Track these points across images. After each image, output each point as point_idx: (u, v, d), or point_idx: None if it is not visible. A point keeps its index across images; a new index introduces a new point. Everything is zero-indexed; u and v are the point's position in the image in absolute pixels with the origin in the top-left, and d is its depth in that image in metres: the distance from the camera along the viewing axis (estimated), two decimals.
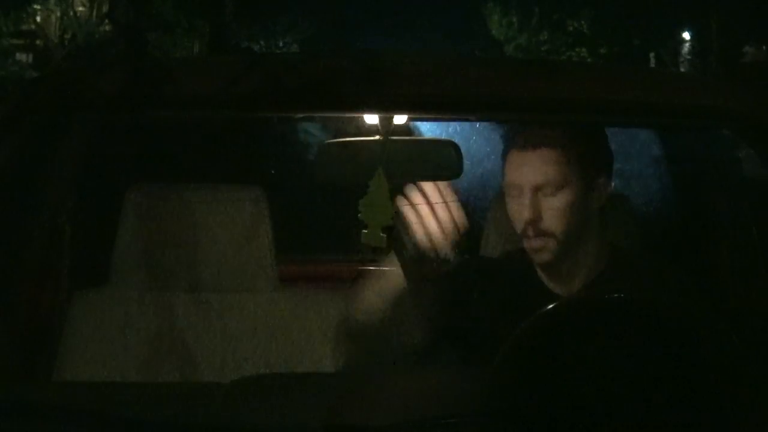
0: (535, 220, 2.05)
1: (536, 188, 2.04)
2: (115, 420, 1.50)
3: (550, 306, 1.69)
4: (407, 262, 1.98)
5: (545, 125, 2.05)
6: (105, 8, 17.15)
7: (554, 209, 2.05)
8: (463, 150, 2.43)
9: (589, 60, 22.24)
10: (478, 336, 2.10)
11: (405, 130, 2.22)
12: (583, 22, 22.09)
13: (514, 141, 2.08)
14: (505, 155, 2.10)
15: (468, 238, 2.17)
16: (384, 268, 3.01)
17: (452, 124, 2.88)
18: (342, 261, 3.19)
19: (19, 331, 2.37)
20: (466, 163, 2.23)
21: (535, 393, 1.51)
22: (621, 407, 1.49)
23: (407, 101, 1.71)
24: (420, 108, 1.78)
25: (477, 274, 2.22)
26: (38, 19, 17.63)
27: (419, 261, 1.95)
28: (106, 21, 17.79)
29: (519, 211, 2.06)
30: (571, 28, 22.83)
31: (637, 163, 2.93)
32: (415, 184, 1.93)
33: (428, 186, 1.92)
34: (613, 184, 2.15)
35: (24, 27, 17.52)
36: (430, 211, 1.91)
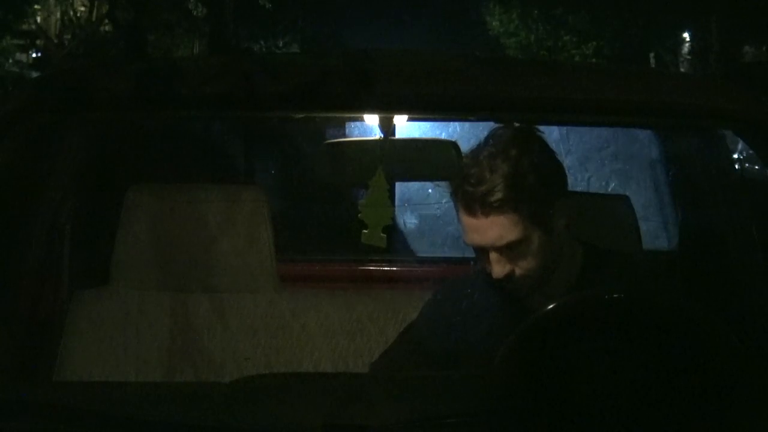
0: (504, 272, 2.02)
1: (497, 248, 2.01)
2: (115, 420, 1.50)
3: (550, 306, 1.69)
4: None
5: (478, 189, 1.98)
6: (105, 8, 17.15)
7: (520, 257, 2.01)
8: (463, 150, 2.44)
9: (590, 52, 22.24)
10: (461, 352, 2.10)
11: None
12: (584, 16, 22.08)
13: (463, 206, 2.02)
14: (457, 214, 2.05)
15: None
16: (385, 268, 3.02)
17: (452, 123, 2.89)
18: (342, 261, 3.20)
19: (19, 331, 2.37)
20: None
21: (535, 393, 1.51)
22: (621, 407, 1.49)
23: (407, 101, 1.71)
24: (420, 108, 1.78)
25: (460, 292, 2.22)
26: (38, 19, 17.63)
27: None
28: (106, 21, 17.79)
29: (487, 266, 2.04)
30: (570, 26, 22.82)
31: (636, 164, 2.93)
32: None
33: None
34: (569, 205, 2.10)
35: (24, 27, 17.53)
36: None
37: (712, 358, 1.57)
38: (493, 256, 2.01)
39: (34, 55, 19.44)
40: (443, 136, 2.76)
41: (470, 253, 2.30)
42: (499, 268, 2.01)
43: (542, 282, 2.07)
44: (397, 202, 3.33)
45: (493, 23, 25.66)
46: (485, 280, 2.13)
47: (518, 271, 2.03)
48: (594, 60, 22.03)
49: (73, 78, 1.88)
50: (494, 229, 1.99)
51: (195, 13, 14.82)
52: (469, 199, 1.98)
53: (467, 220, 2.01)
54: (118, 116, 2.25)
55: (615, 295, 1.72)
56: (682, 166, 2.54)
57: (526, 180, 1.97)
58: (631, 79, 1.87)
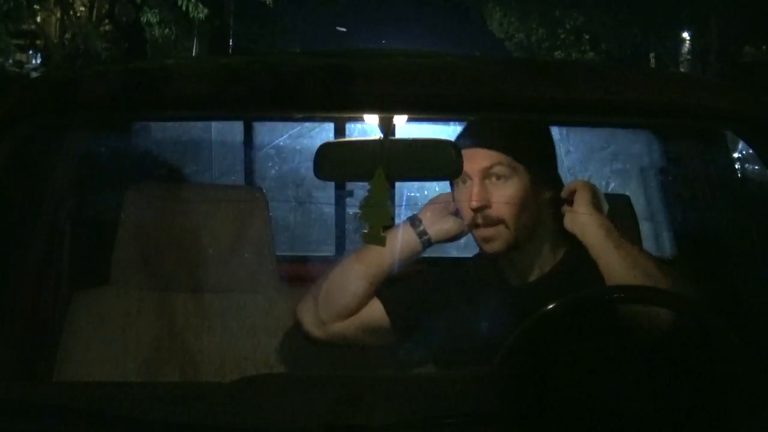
0: (484, 207, 2.09)
1: (484, 174, 2.10)
2: (115, 420, 1.50)
3: (550, 306, 1.69)
4: None
5: (493, 122, 2.12)
6: (105, 8, 17.15)
7: (503, 196, 2.10)
8: None
9: (590, 53, 22.23)
10: (441, 335, 2.13)
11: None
12: (583, 19, 22.08)
13: (461, 136, 2.16)
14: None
15: None
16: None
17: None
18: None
19: (19, 331, 2.37)
20: None
21: (535, 393, 1.51)
22: (621, 407, 1.49)
23: (407, 101, 1.71)
24: (420, 108, 1.78)
25: (438, 274, 2.28)
26: (38, 19, 17.63)
27: None
28: (106, 21, 17.79)
29: (468, 198, 2.11)
30: (568, 26, 22.81)
31: (636, 164, 2.93)
32: None
33: None
34: (560, 182, 2.21)
35: (24, 27, 17.53)
36: None
37: (713, 358, 1.57)
38: (476, 187, 2.10)
39: (35, 61, 19.46)
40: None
41: (471, 254, 2.31)
42: (479, 199, 2.08)
43: (519, 253, 2.13)
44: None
45: (493, 24, 25.66)
46: (482, 266, 2.21)
47: (496, 215, 2.09)
48: (591, 54, 22.01)
49: (71, 78, 1.88)
50: (487, 152, 2.10)
51: (193, 15, 14.82)
52: (469, 126, 2.15)
53: (462, 148, 2.08)
54: (116, 117, 2.26)
55: (615, 295, 1.72)
56: (682, 167, 2.54)
57: (523, 130, 2.14)
58: (631, 79, 1.87)
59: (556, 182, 2.19)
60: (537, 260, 2.17)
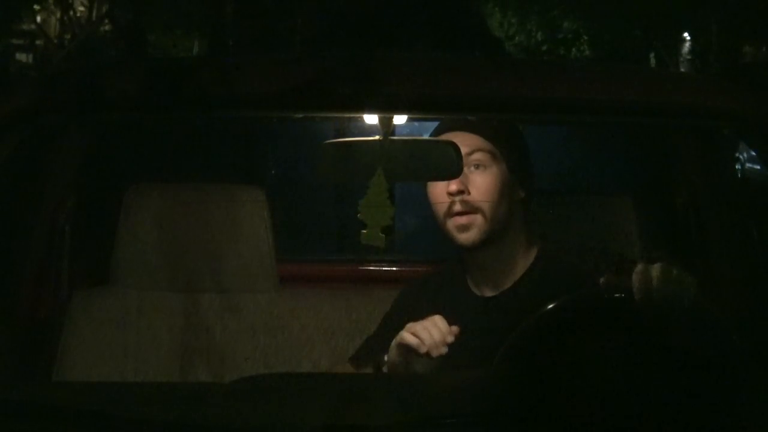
0: (462, 192, 2.08)
1: (465, 159, 2.05)
2: (115, 420, 1.50)
3: (550, 306, 1.69)
4: None
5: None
6: (105, 8, 17.14)
7: (483, 184, 2.09)
8: None
9: (588, 53, 22.22)
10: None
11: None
12: (582, 19, 22.08)
13: (446, 122, 2.15)
14: (437, 135, 2.15)
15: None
16: (385, 268, 3.02)
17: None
18: (342, 261, 3.20)
19: (19, 331, 2.37)
20: None
21: (534, 393, 1.51)
22: (620, 407, 1.49)
23: (407, 101, 1.71)
24: (420, 108, 1.78)
25: (429, 284, 2.28)
26: (38, 19, 17.62)
27: None
28: (106, 21, 17.78)
29: (445, 184, 2.09)
30: (566, 27, 22.81)
31: (636, 164, 2.93)
32: None
33: None
34: (533, 182, 2.21)
35: (24, 27, 17.52)
36: None
37: (713, 358, 1.57)
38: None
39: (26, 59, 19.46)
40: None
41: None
42: (457, 184, 2.08)
43: (492, 249, 2.12)
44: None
45: (493, 25, 25.63)
46: (455, 275, 2.21)
47: (473, 202, 2.08)
48: (588, 53, 22.00)
49: (72, 78, 1.88)
50: (467, 139, 2.08)
51: (193, 17, 14.82)
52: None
53: (442, 135, 2.11)
54: (120, 116, 2.25)
55: (614, 296, 1.72)
56: (683, 166, 2.54)
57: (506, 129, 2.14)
58: (631, 79, 1.87)
59: (532, 183, 2.19)
60: (509, 264, 2.15)
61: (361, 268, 2.99)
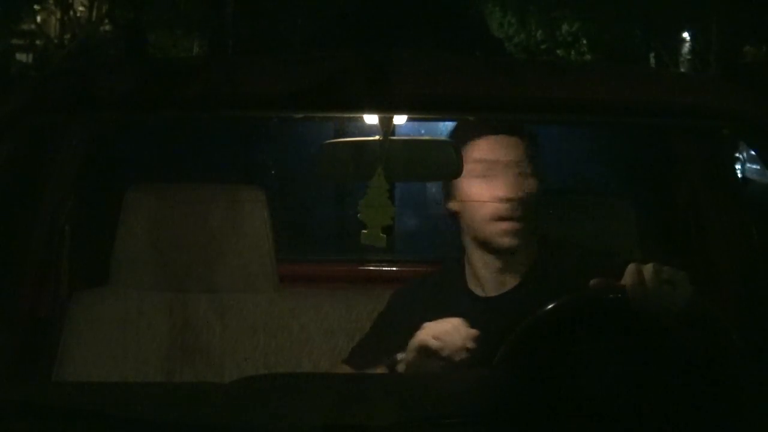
0: (510, 199, 2.07)
1: (512, 164, 2.08)
2: (115, 420, 1.50)
3: (550, 306, 1.69)
4: None
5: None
6: (105, 8, 17.15)
7: (525, 190, 2.08)
8: None
9: (587, 56, 22.23)
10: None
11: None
12: (580, 23, 22.10)
13: (480, 127, 2.12)
14: (468, 138, 2.12)
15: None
16: (385, 268, 3.02)
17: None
18: (342, 261, 3.19)
19: (19, 331, 2.37)
20: None
21: (534, 393, 1.51)
22: (620, 407, 1.49)
23: (407, 101, 1.70)
24: (420, 108, 1.78)
25: (428, 285, 2.27)
26: (38, 19, 17.64)
27: None
28: (106, 21, 17.79)
29: (493, 188, 2.08)
30: (565, 27, 22.81)
31: (636, 163, 2.93)
32: None
33: None
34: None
35: (24, 27, 17.53)
36: None
37: (713, 358, 1.57)
38: (507, 177, 2.07)
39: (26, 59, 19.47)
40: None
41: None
42: (510, 187, 2.05)
43: (516, 251, 2.11)
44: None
45: (493, 25, 25.63)
46: (454, 276, 2.21)
47: (516, 210, 2.06)
48: (588, 56, 22.00)
49: (72, 78, 1.88)
50: (513, 144, 2.08)
51: (193, 17, 14.84)
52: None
53: (485, 137, 2.08)
54: (118, 116, 2.25)
55: (614, 296, 1.72)
56: (682, 166, 2.54)
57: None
58: (631, 79, 1.87)
59: (543, 182, 2.18)
60: (514, 264, 2.15)
61: (361, 268, 2.99)
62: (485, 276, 2.17)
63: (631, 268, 1.70)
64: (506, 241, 2.10)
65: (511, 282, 2.15)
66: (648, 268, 1.70)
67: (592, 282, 1.71)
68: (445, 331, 1.96)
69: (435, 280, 2.28)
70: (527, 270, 2.15)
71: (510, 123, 2.11)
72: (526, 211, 2.08)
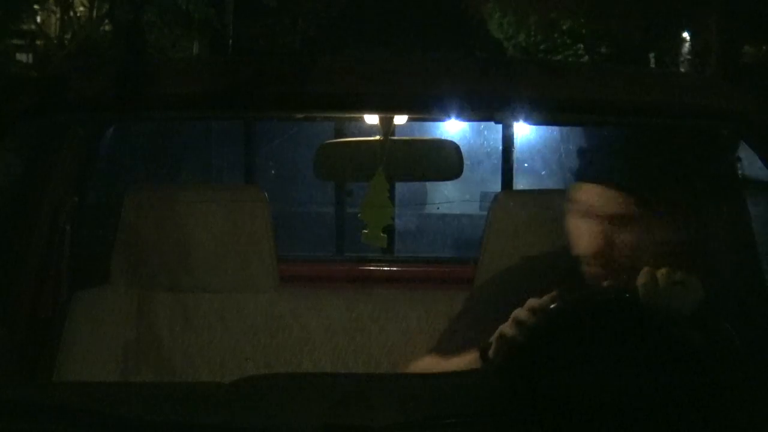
0: (601, 253, 1.94)
1: (608, 218, 1.95)
2: (115, 420, 1.50)
3: (549, 306, 1.69)
4: None
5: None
6: (105, 8, 17.15)
7: (626, 242, 1.95)
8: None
9: (586, 57, 22.25)
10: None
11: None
12: (582, 20, 22.09)
13: (589, 169, 2.03)
14: (574, 182, 2.03)
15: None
16: (385, 268, 3.02)
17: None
18: (342, 261, 3.20)
19: (19, 331, 2.37)
20: (467, 163, 2.23)
21: (534, 393, 1.51)
22: (620, 407, 1.49)
23: (407, 101, 1.71)
24: (420, 108, 1.78)
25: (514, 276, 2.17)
26: (38, 19, 17.64)
27: None
28: (106, 21, 17.79)
29: (584, 239, 1.96)
30: (565, 27, 22.82)
31: (636, 163, 2.92)
32: None
33: None
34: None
35: (24, 27, 17.53)
36: None
37: (713, 358, 1.57)
38: (597, 225, 1.94)
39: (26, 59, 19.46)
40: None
41: (470, 254, 2.30)
42: (596, 243, 1.93)
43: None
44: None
45: (491, 26, 25.64)
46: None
47: (614, 257, 1.94)
48: (586, 58, 22.02)
49: (72, 78, 1.88)
50: (609, 193, 1.94)
51: (192, 13, 14.82)
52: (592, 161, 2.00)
53: (584, 187, 1.97)
54: (118, 116, 2.25)
55: (614, 296, 1.72)
56: (682, 166, 2.54)
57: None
58: (631, 79, 1.87)
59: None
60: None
61: (361, 268, 2.99)
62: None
63: (644, 270, 1.69)
64: (591, 280, 1.98)
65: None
66: (661, 271, 1.70)
67: (605, 282, 1.69)
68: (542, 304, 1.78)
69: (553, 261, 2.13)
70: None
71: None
72: (625, 259, 1.94)
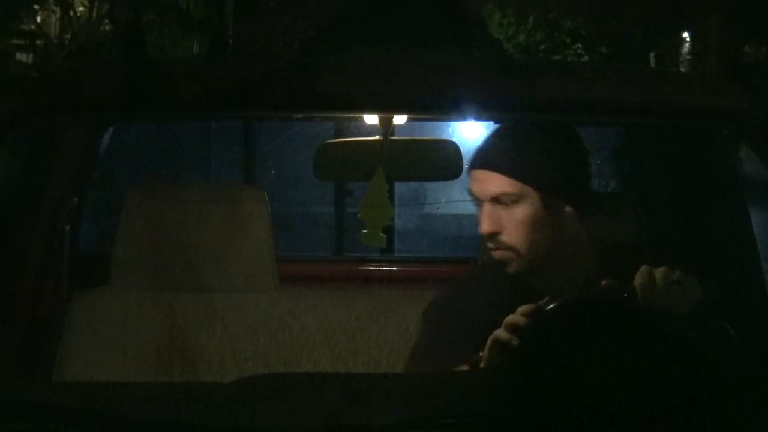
0: (494, 233, 2.05)
1: (492, 199, 2.04)
2: (115, 420, 1.50)
3: (549, 306, 1.69)
4: None
5: (503, 142, 2.06)
6: (105, 8, 17.12)
7: (511, 222, 2.04)
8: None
9: (586, 57, 22.24)
10: (473, 343, 2.07)
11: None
12: (581, 19, 22.08)
13: (475, 159, 2.10)
14: (468, 172, 2.11)
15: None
16: (385, 268, 3.02)
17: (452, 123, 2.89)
18: (342, 261, 3.20)
19: (19, 331, 2.37)
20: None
21: (534, 393, 1.51)
22: (620, 407, 1.49)
23: (407, 101, 1.71)
24: (420, 108, 1.78)
25: (475, 282, 2.21)
26: (38, 19, 17.62)
27: None
28: (106, 21, 17.77)
29: (479, 221, 2.07)
30: (566, 28, 22.81)
31: (636, 163, 2.93)
32: None
33: None
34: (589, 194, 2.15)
35: (24, 27, 17.51)
36: None
37: (712, 358, 1.57)
38: (486, 212, 2.05)
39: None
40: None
41: (470, 254, 2.30)
42: (488, 225, 2.04)
43: (541, 273, 2.07)
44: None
45: (491, 27, 25.59)
46: (493, 274, 2.15)
47: (506, 241, 2.04)
48: (586, 57, 22.00)
49: (71, 78, 1.88)
50: (496, 178, 2.03)
51: (192, 13, 14.80)
52: (479, 151, 2.08)
53: (476, 172, 2.06)
54: (118, 116, 2.25)
55: (613, 296, 1.72)
56: (682, 166, 2.54)
57: (533, 151, 2.05)
58: (631, 79, 1.87)
59: (581, 193, 2.12)
60: (566, 271, 2.09)
61: (361, 268, 2.99)
62: (539, 279, 2.11)
63: (642, 269, 1.71)
64: (507, 268, 2.08)
65: (565, 285, 2.10)
66: (660, 271, 1.71)
67: (603, 282, 1.71)
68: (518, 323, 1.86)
69: (488, 272, 2.20)
70: (584, 275, 2.08)
71: (503, 153, 2.07)
72: (521, 242, 2.04)
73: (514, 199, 2.04)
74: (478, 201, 2.07)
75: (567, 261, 2.10)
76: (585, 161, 2.15)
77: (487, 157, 2.07)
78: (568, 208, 2.09)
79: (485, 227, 2.05)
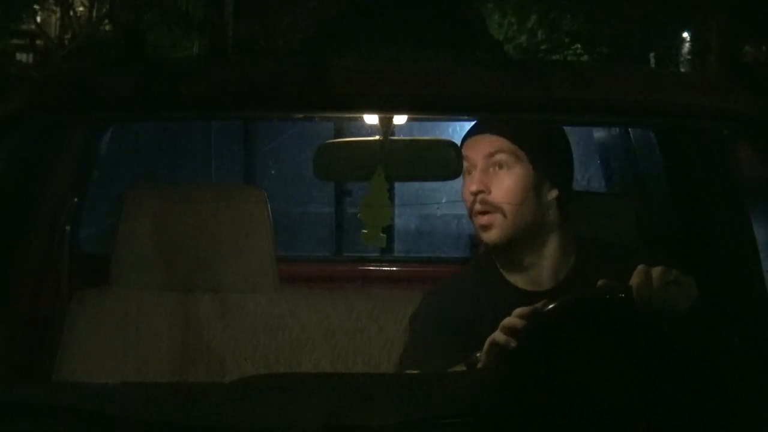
0: (482, 192, 2.09)
1: (486, 160, 2.09)
2: (115, 420, 1.50)
3: (549, 306, 1.69)
4: None
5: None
6: (105, 8, 17.13)
7: (503, 183, 2.09)
8: None
9: (585, 57, 22.24)
10: (461, 345, 2.07)
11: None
12: (581, 19, 22.08)
13: (471, 128, 2.17)
14: (462, 142, 2.16)
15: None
16: (385, 268, 3.02)
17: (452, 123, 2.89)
18: (342, 261, 3.20)
19: (19, 331, 2.37)
20: None
21: (535, 393, 1.51)
22: (620, 407, 1.49)
23: (407, 101, 1.70)
24: (420, 108, 1.78)
25: (462, 287, 2.22)
26: (38, 19, 17.63)
27: None
28: (106, 21, 17.77)
29: (469, 184, 2.11)
30: (566, 28, 22.81)
31: (636, 163, 2.93)
32: None
33: None
34: (571, 183, 2.19)
35: (24, 27, 17.52)
36: None
37: (713, 358, 1.57)
38: (477, 172, 2.10)
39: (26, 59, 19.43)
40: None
41: (470, 254, 2.30)
42: (477, 185, 2.09)
43: (522, 250, 2.11)
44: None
45: (491, 27, 25.57)
46: (485, 273, 2.17)
47: (493, 201, 2.08)
48: (585, 57, 21.99)
49: (72, 78, 1.88)
50: (491, 138, 2.10)
51: (190, 11, 14.80)
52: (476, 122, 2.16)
53: (470, 138, 2.13)
54: (118, 116, 2.25)
55: (612, 296, 1.72)
56: (682, 166, 2.54)
57: (532, 130, 2.13)
58: (631, 79, 1.87)
59: (566, 183, 2.16)
60: (547, 263, 2.13)
61: (361, 268, 2.99)
62: (516, 271, 2.15)
63: (639, 269, 1.72)
64: (485, 236, 2.12)
65: (549, 281, 2.12)
66: (657, 270, 1.72)
67: (600, 282, 1.71)
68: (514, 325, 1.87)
69: (471, 276, 2.24)
70: (569, 270, 2.13)
71: (502, 121, 2.11)
72: (508, 205, 2.08)
73: (508, 162, 2.09)
74: (469, 168, 2.11)
75: (548, 251, 2.13)
76: (570, 156, 2.20)
77: (484, 123, 2.13)
78: (553, 191, 2.13)
79: (474, 186, 2.09)
